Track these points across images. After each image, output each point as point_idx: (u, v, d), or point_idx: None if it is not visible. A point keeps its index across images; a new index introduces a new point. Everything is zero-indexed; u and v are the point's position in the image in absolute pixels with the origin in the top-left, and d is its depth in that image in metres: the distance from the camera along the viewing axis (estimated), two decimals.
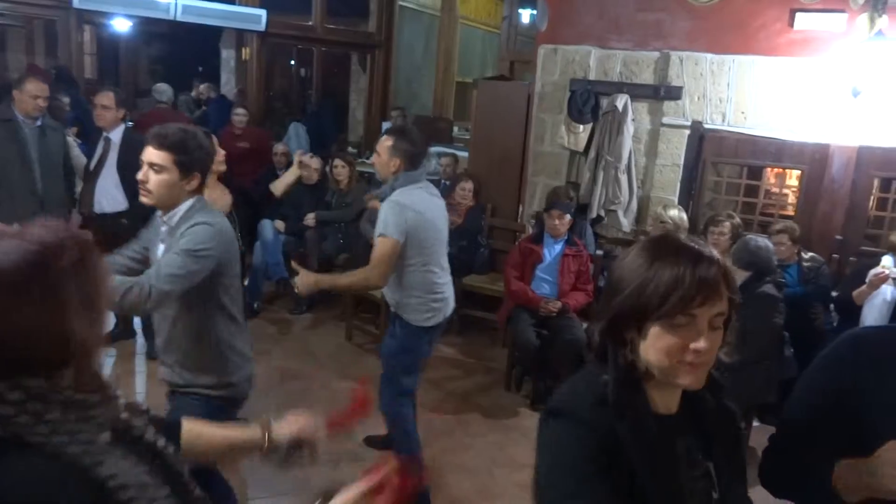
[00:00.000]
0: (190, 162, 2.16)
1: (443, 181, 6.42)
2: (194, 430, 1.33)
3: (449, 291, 3.23)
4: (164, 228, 2.25)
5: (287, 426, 1.45)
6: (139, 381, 4.30)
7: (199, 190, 2.25)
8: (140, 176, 2.15)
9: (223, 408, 2.31)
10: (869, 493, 1.19)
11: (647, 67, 5.02)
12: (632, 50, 5.06)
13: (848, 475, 1.23)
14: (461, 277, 5.25)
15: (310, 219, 5.52)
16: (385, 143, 3.06)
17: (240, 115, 6.34)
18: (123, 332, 4.71)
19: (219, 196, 3.28)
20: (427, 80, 9.86)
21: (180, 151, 2.13)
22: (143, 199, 2.20)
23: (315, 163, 5.77)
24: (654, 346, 1.13)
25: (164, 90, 6.43)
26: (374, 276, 2.99)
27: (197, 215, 2.19)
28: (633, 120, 4.99)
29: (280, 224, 5.56)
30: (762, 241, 3.75)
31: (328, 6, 7.68)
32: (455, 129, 9.18)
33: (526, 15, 9.14)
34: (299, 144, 7.41)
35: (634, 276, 1.14)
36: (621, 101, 4.95)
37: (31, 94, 4.11)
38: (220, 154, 3.20)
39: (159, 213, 2.27)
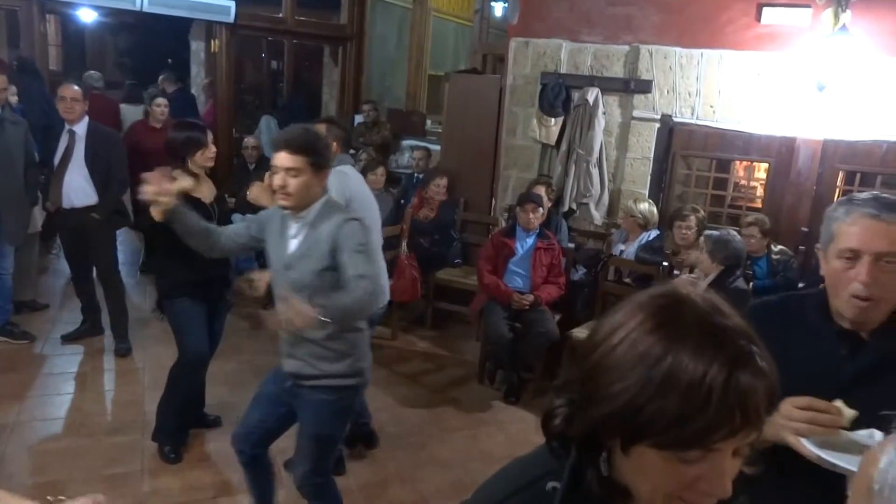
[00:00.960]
0: (321, 161, 2.25)
1: (416, 174, 6.41)
2: None
3: (384, 277, 3.35)
4: (297, 224, 2.31)
5: None
6: (108, 379, 4.22)
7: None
8: (278, 181, 2.20)
9: (351, 397, 2.43)
10: (770, 441, 1.29)
11: (617, 61, 5.04)
12: (602, 43, 5.08)
13: None
14: (434, 271, 5.25)
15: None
16: (318, 129, 3.11)
17: (161, 107, 5.82)
18: (91, 328, 4.63)
19: (207, 189, 3.27)
20: (400, 74, 9.81)
21: (312, 153, 2.22)
22: (283, 203, 2.25)
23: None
24: (644, 473, 0.77)
25: (97, 77, 7.12)
26: None
27: (335, 213, 2.30)
28: (604, 113, 5.02)
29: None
30: (736, 235, 3.79)
31: None
32: (428, 122, 9.15)
33: (498, 8, 9.13)
34: (270, 138, 7.32)
35: (632, 373, 0.74)
36: (592, 94, 4.97)
37: None
38: (212, 149, 3.23)
39: (287, 210, 2.31)
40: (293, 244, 2.32)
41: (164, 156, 3.18)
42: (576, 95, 5.08)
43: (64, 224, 4.45)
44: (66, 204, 4.29)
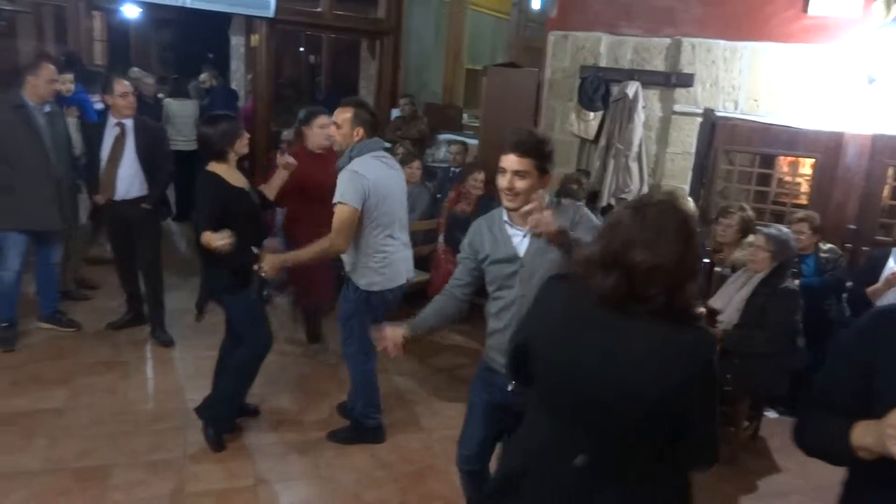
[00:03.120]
0: (546, 165, 2.28)
1: (452, 168, 6.41)
2: None
3: (400, 260, 3.38)
4: (520, 228, 2.32)
5: None
6: (150, 368, 4.32)
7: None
8: (505, 183, 2.25)
9: None
10: (876, 452, 1.30)
11: (658, 54, 4.96)
12: (643, 36, 5.01)
13: (862, 435, 1.34)
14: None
15: None
16: (345, 113, 3.23)
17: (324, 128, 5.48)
18: (134, 318, 4.74)
19: (238, 175, 3.32)
20: (437, 68, 9.80)
21: (539, 157, 2.25)
22: (509, 204, 2.28)
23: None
24: None
25: (142, 73, 7.29)
26: (335, 244, 3.14)
27: (563, 209, 2.33)
28: (643, 107, 4.95)
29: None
30: (791, 234, 3.73)
31: None
32: (465, 116, 9.14)
33: (536, 1, 9.06)
34: None
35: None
36: (632, 88, 4.90)
37: (46, 79, 4.13)
38: (246, 135, 3.29)
39: (505, 215, 2.34)
40: (525, 244, 2.32)
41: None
42: (615, 89, 5.02)
43: (113, 215, 4.55)
44: (118, 195, 4.40)
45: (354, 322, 3.37)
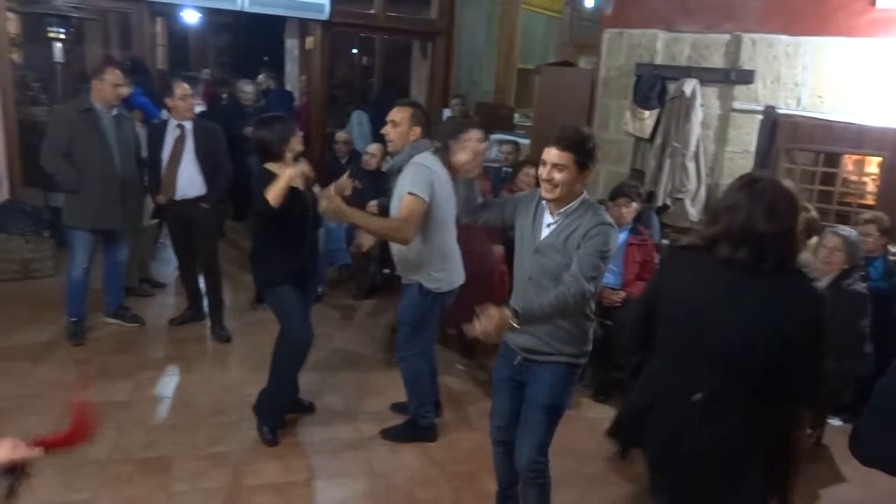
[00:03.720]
0: (586, 161, 2.35)
1: (503, 168, 6.39)
2: None
3: (459, 259, 3.40)
4: (553, 215, 2.42)
5: None
6: (209, 363, 4.43)
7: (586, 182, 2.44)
8: (545, 175, 2.34)
9: (574, 374, 2.58)
10: None
11: (717, 50, 4.85)
12: (701, 32, 4.90)
13: None
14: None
15: (371, 206, 5.58)
16: (404, 112, 3.26)
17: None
18: (195, 314, 4.88)
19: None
20: (488, 67, 9.79)
21: (579, 152, 2.32)
22: (547, 196, 2.37)
23: (375, 150, 5.82)
24: None
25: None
26: (403, 230, 3.08)
27: (591, 213, 2.39)
28: (701, 105, 4.84)
29: None
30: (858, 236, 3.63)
31: None
32: (516, 116, 9.10)
33: None
34: (361, 132, 7.49)
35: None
36: (689, 85, 4.81)
37: (111, 83, 4.27)
38: (299, 133, 3.36)
39: (545, 202, 2.43)
40: (546, 232, 2.43)
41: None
42: (672, 87, 4.93)
43: (174, 215, 4.70)
44: (178, 195, 4.54)
45: (416, 324, 3.37)
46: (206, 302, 4.81)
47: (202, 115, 6.13)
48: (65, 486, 3.01)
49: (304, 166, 3.28)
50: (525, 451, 2.56)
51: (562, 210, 2.41)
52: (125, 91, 4.64)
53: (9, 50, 5.96)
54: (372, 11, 7.71)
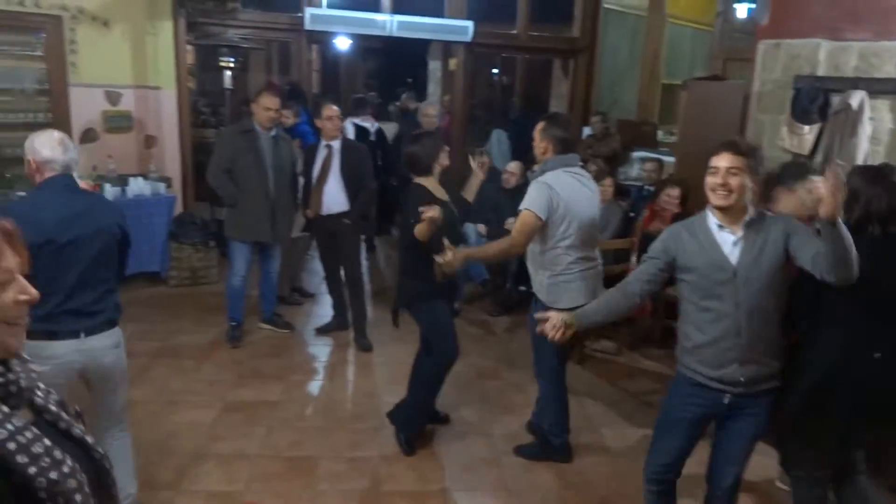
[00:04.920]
0: (757, 167, 2.34)
1: (646, 187, 6.20)
2: None
3: (590, 278, 3.32)
4: (729, 232, 2.33)
5: None
6: (351, 370, 4.65)
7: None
8: (719, 180, 2.29)
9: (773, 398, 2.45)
10: None
11: (889, 59, 4.43)
12: (871, 40, 4.50)
13: None
14: (666, 287, 5.02)
15: (510, 223, 5.62)
16: (538, 128, 3.32)
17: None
18: (339, 324, 5.14)
19: (441, 189, 3.50)
20: (630, 83, 9.58)
21: (752, 156, 2.33)
22: (722, 202, 2.30)
23: (515, 168, 5.86)
24: None
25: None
26: (514, 247, 3.25)
27: (771, 218, 2.37)
28: (871, 119, 4.44)
29: (482, 227, 5.72)
30: None
31: (532, 13, 7.76)
32: (660, 132, 8.82)
33: (742, 9, 8.52)
34: (500, 151, 7.56)
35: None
36: (857, 98, 4.42)
37: (265, 106, 4.61)
38: (446, 149, 3.50)
39: (714, 222, 2.36)
40: (736, 252, 2.32)
41: None
42: (835, 100, 4.56)
43: (320, 229, 4.99)
44: (324, 211, 4.82)
45: (543, 340, 3.37)
46: (350, 312, 5.04)
47: (378, 133, 6.54)
48: (224, 477, 3.27)
49: (434, 212, 3.22)
50: (729, 478, 2.53)
51: (743, 220, 2.31)
52: (287, 120, 4.96)
53: (187, 78, 6.62)
54: (514, 31, 7.81)
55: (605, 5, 8.37)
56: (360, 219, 4.93)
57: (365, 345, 4.87)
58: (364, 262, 5.20)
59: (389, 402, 3.81)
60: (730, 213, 2.32)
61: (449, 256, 3.13)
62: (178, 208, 6.29)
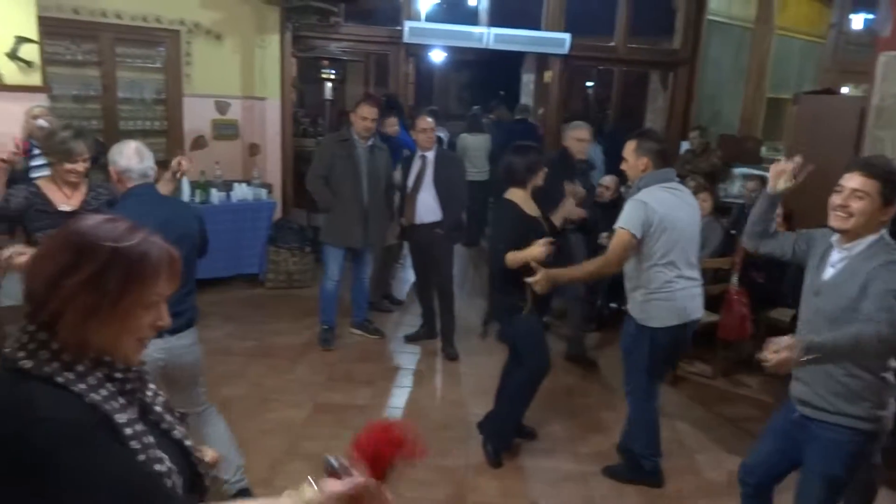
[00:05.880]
0: (892, 194, 2.14)
1: (747, 205, 5.94)
2: None
3: (688, 297, 3.20)
4: (840, 253, 2.24)
5: (330, 486, 1.17)
6: (438, 379, 4.67)
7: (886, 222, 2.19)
8: (839, 201, 2.17)
9: (864, 442, 2.25)
10: None
11: None
12: None
13: None
14: (767, 309, 4.80)
15: (604, 238, 5.51)
16: (629, 147, 3.22)
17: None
18: (428, 332, 5.18)
19: (532, 205, 3.46)
20: (732, 97, 9.23)
21: (886, 182, 2.13)
22: (838, 225, 2.19)
23: (610, 182, 5.75)
24: None
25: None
26: (608, 264, 3.17)
27: (884, 252, 2.14)
28: None
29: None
30: None
31: (631, 25, 7.63)
32: (763, 149, 8.45)
33: (858, 20, 8.07)
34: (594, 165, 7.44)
35: None
36: None
37: (362, 116, 4.73)
38: (544, 171, 3.45)
39: (834, 237, 2.26)
40: (829, 272, 2.26)
41: None
42: None
43: (413, 238, 5.07)
44: (416, 220, 4.88)
45: (635, 359, 3.29)
46: (438, 321, 5.08)
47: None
48: (314, 477, 3.34)
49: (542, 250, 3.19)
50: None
51: (848, 245, 2.20)
52: (374, 125, 5.06)
53: (290, 90, 6.89)
54: (612, 44, 7.69)
55: (709, 17, 8.12)
56: (453, 229, 4.96)
57: (452, 354, 4.89)
58: (455, 272, 5.21)
59: (476, 412, 3.80)
60: (846, 234, 2.21)
61: (539, 277, 3.10)
62: (278, 214, 6.54)
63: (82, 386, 1.06)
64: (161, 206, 2.68)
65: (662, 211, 3.09)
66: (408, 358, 4.94)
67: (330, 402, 4.13)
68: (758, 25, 8.87)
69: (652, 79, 9.00)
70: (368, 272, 5.24)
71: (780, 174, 2.43)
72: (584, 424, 4.05)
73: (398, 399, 4.31)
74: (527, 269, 3.17)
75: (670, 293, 3.16)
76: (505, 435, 3.61)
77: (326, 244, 4.93)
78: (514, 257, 3.22)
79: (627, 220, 3.10)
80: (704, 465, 3.66)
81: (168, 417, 1.23)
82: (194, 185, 5.91)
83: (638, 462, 3.43)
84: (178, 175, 3.29)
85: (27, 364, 1.04)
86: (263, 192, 6.31)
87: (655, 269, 3.14)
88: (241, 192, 6.14)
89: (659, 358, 3.29)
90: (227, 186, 6.13)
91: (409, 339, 5.19)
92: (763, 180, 6.15)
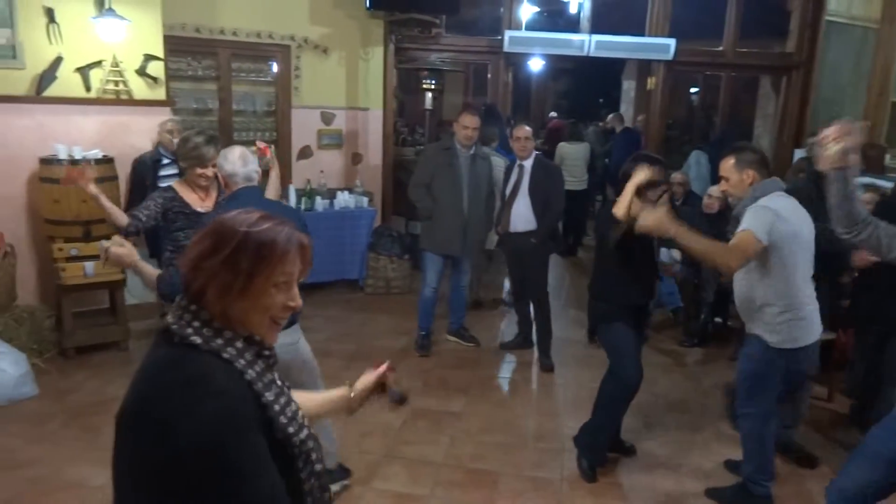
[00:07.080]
0: None
1: None
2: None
3: (813, 313, 2.99)
4: None
5: (364, 379, 1.80)
6: (533, 389, 4.64)
7: None
8: None
9: None
10: None
11: None
12: None
13: None
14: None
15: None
16: (727, 164, 3.03)
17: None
18: (523, 341, 5.16)
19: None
20: (853, 102, 8.64)
21: None
22: None
23: (717, 192, 5.53)
24: None
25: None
26: (727, 256, 2.84)
27: None
28: None
29: (677, 252, 5.47)
30: None
31: (742, 28, 7.32)
32: (887, 157, 7.86)
33: None
34: (699, 173, 7.19)
35: None
36: None
37: (463, 125, 4.78)
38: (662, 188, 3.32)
39: None
40: None
41: None
42: None
43: (508, 246, 5.07)
44: (511, 228, 4.88)
45: (763, 382, 3.09)
46: (535, 330, 5.05)
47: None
48: (410, 480, 3.41)
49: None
50: None
51: None
52: (475, 133, 5.11)
53: (392, 101, 7.07)
54: (720, 48, 7.41)
55: (828, 17, 7.66)
56: (547, 239, 4.92)
57: (547, 364, 4.84)
58: (552, 282, 5.16)
59: (571, 425, 3.74)
60: None
61: (653, 212, 2.85)
62: (377, 221, 6.71)
63: (242, 362, 1.19)
64: (267, 207, 2.80)
65: (793, 219, 2.89)
66: (503, 367, 4.93)
67: (425, 407, 4.17)
68: (883, 26, 8.26)
69: (762, 83, 8.59)
70: (466, 280, 5.27)
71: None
72: (684, 442, 3.90)
73: (493, 407, 4.30)
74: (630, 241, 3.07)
75: (801, 309, 2.96)
76: (598, 448, 3.53)
77: (426, 251, 5.01)
78: (621, 201, 3.11)
79: (753, 223, 2.83)
80: (816, 493, 3.43)
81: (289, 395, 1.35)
82: (300, 193, 6.18)
83: (746, 486, 3.27)
84: (267, 161, 3.45)
85: (196, 339, 1.17)
86: (365, 200, 6.49)
87: (786, 283, 2.93)
88: (344, 199, 6.35)
89: (793, 380, 3.12)
90: (330, 194, 6.36)
91: (505, 347, 5.19)
92: (880, 191, 5.74)
